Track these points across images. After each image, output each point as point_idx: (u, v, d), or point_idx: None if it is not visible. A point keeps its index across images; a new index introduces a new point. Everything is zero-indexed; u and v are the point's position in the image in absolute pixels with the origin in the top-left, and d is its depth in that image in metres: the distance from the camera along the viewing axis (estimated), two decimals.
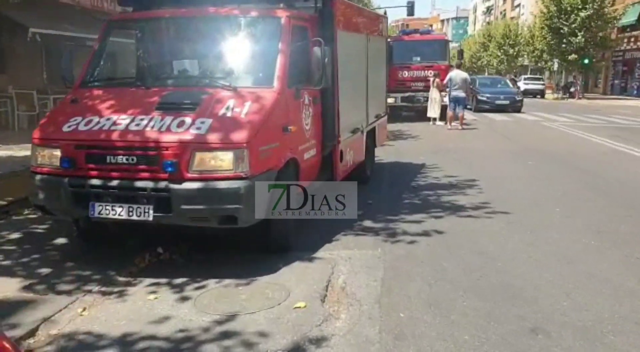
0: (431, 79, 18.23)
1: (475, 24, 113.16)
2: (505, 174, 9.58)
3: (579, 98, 39.81)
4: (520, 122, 19.71)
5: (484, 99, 24.47)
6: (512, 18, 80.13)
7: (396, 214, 6.71)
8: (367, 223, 6.30)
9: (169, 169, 4.52)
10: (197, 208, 4.56)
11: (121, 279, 4.74)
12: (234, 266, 4.95)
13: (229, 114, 4.81)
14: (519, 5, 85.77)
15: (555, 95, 44.79)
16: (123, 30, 6.52)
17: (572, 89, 41.68)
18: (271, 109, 4.99)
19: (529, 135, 15.73)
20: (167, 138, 4.60)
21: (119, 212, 4.69)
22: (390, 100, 19.39)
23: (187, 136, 4.60)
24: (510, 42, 68.17)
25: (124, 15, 6.45)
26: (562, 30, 40.54)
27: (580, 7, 39.05)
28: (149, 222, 4.68)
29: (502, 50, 68.74)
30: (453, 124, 16.76)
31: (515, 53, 67.57)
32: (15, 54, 14.08)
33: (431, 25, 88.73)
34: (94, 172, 4.76)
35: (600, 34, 40.48)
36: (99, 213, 4.73)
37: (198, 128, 4.64)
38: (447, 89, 16.78)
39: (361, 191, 7.87)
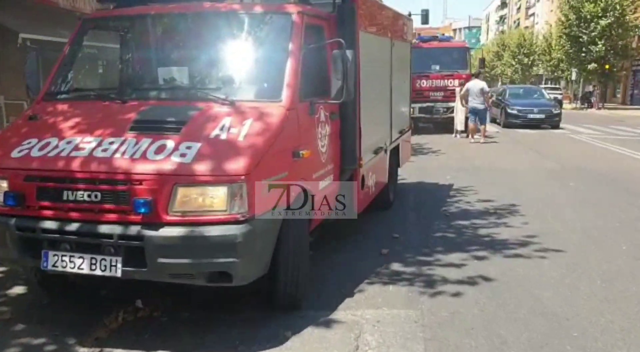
0: (457, 89, 17.15)
1: (488, 33, 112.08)
2: (547, 198, 8.39)
3: (599, 108, 38.46)
4: (545, 135, 18.50)
5: (514, 112, 20.88)
6: (526, 27, 78.99)
7: (429, 253, 5.55)
8: (396, 266, 5.15)
9: (142, 209, 3.41)
10: (179, 262, 3.44)
11: (83, 350, 3.63)
12: (227, 330, 3.83)
13: (223, 136, 3.70)
14: (533, 14, 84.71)
15: (573, 105, 43.46)
16: (101, 31, 5.39)
17: (592, 99, 40.32)
18: (278, 129, 3.87)
19: (559, 149, 14.52)
20: (141, 168, 3.50)
21: (79, 264, 3.57)
22: None
23: (167, 165, 3.49)
24: (524, 51, 67.07)
25: (101, 12, 5.32)
26: (581, 39, 39.30)
27: (600, 15, 37.82)
28: (117, 278, 3.57)
29: (516, 60, 67.64)
30: (475, 136, 15.60)
31: (530, 62, 66.51)
32: (6, 61, 13.10)
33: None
34: (47, 212, 3.65)
35: (621, 42, 39.21)
36: (54, 265, 3.62)
37: (182, 155, 3.53)
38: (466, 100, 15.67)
39: (384, 220, 6.81)
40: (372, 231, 6.32)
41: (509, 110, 21.16)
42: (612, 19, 37.65)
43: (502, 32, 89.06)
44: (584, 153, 13.84)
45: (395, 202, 7.69)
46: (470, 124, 15.62)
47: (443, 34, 21.16)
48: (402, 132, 8.05)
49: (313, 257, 4.58)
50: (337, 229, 5.76)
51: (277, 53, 4.38)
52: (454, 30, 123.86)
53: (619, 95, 48.28)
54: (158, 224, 3.43)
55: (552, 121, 20.87)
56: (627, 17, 38.10)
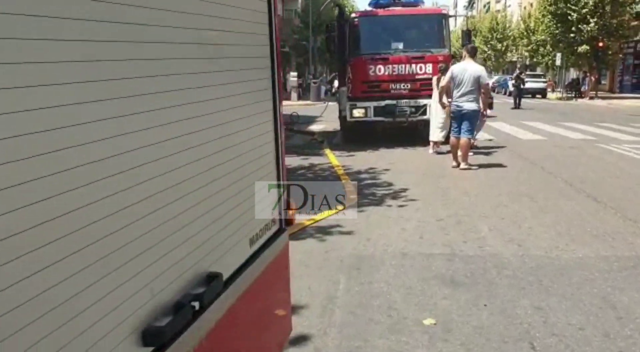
0: (433, 79, 10.94)
1: (455, 19, 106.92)
2: None
3: (591, 98, 32.89)
4: (563, 145, 12.34)
5: None
6: (497, 11, 73.87)
7: None
8: None
9: None
10: None
11: None
12: None
13: None
14: None
15: (558, 95, 37.93)
16: None
17: (582, 87, 34.72)
18: None
19: (611, 182, 8.37)
20: None
21: None
22: (357, 113, 12.20)
23: None
24: (498, 37, 62.41)
25: None
26: (569, 17, 33.65)
27: None
28: None
29: (489, 46, 62.63)
30: (462, 161, 9.30)
31: (503, 48, 61.58)
32: None
33: None
34: None
35: (615, 20, 33.66)
36: None
37: None
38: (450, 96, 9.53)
39: None
40: None
41: None
42: None
43: (472, 17, 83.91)
44: None
45: None
46: (452, 139, 9.42)
47: None
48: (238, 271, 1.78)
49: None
50: None
51: None
52: None
53: (604, 82, 42.96)
54: None
55: None
56: None
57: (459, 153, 9.11)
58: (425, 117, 12.04)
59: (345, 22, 12.47)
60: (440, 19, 12.34)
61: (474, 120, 9.25)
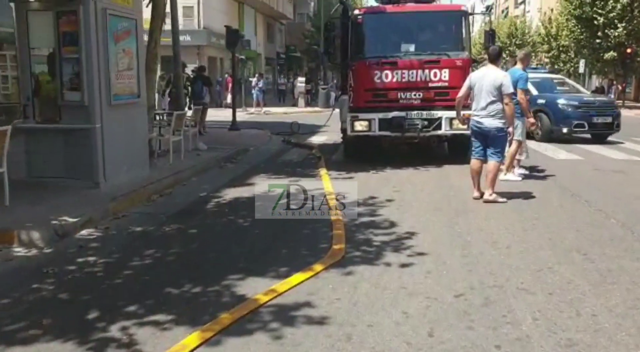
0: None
1: (473, 24, 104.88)
2: None
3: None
4: (604, 168, 10.31)
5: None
6: (515, 16, 71.76)
7: None
8: None
9: None
10: None
11: None
12: None
13: None
14: (523, 2, 77.66)
15: None
16: None
17: (610, 95, 32.54)
18: None
19: None
20: None
21: None
22: (359, 127, 10.34)
23: None
24: (516, 42, 60.30)
25: None
26: (595, 21, 31.55)
27: None
28: None
29: (507, 52, 60.52)
30: (487, 191, 7.28)
31: None
32: None
33: None
34: None
35: None
36: None
37: None
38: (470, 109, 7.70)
39: None
40: None
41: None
42: None
43: (490, 22, 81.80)
44: None
45: None
46: (474, 161, 7.57)
47: None
48: None
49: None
50: None
51: None
52: None
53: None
54: None
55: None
56: None
57: (487, 179, 7.24)
58: (439, 131, 10.20)
59: (348, 20, 10.66)
60: (459, 17, 10.44)
61: (500, 140, 7.37)
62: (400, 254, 5.03)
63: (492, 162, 7.25)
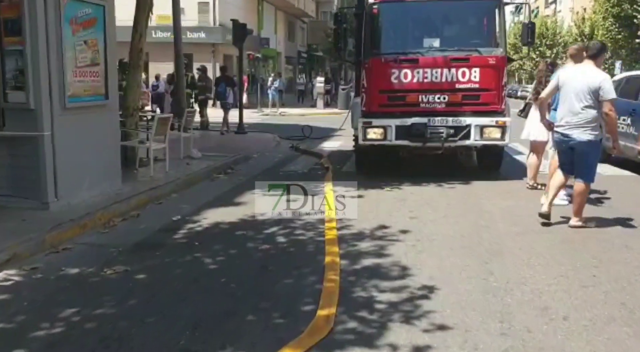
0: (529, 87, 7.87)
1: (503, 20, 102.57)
2: None
3: None
4: None
5: None
6: (546, 16, 69.45)
7: None
8: None
9: None
10: None
11: None
12: None
13: None
14: (554, 1, 75.34)
15: None
16: None
17: None
18: None
19: None
20: None
21: None
22: (372, 135, 8.79)
23: None
24: (547, 43, 58.31)
25: None
26: (635, 20, 29.56)
27: None
28: None
29: (537, 52, 58.35)
30: (577, 221, 5.94)
31: (553, 55, 57.27)
32: None
33: None
34: None
35: None
36: None
37: None
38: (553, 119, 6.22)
39: None
40: None
41: None
42: None
43: (520, 22, 79.83)
44: None
45: None
46: (558, 174, 6.13)
47: None
48: None
49: None
50: None
51: None
52: None
53: None
54: None
55: None
56: None
57: (574, 203, 6.02)
58: (468, 141, 8.66)
59: (363, 10, 9.17)
60: (492, 7, 8.84)
61: (592, 156, 5.91)
62: (412, 328, 3.54)
63: (579, 184, 5.89)
